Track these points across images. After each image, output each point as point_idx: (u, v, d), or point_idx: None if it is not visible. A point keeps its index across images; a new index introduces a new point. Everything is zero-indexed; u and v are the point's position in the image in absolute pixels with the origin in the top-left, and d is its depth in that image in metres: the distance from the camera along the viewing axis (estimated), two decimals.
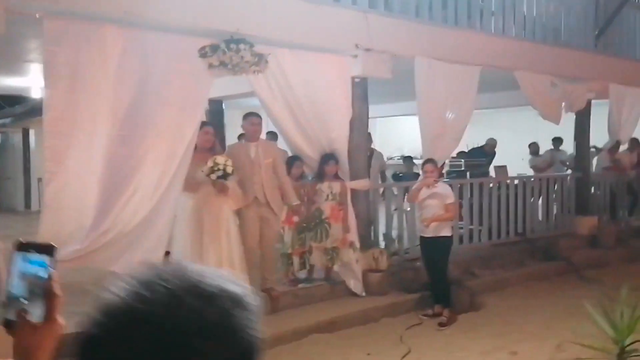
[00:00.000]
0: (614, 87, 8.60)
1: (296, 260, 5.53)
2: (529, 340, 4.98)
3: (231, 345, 0.56)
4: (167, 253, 5.27)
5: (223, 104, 8.28)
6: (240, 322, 0.57)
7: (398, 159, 12.61)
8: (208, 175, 4.57)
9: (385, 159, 8.48)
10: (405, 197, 6.21)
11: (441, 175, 8.12)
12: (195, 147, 4.77)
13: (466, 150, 9.62)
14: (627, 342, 3.16)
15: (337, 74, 5.53)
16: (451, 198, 5.53)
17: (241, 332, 0.57)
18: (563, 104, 7.93)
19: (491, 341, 4.98)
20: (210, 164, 4.57)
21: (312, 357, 4.58)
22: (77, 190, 4.01)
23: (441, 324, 5.35)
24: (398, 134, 14.21)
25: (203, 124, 4.92)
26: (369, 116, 9.42)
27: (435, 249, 5.48)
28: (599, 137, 9.41)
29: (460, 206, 6.94)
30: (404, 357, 4.63)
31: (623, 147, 9.61)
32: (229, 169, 4.59)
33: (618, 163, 9.36)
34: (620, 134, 9.01)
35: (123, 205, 4.20)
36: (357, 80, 5.75)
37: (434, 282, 5.58)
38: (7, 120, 12.72)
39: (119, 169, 4.16)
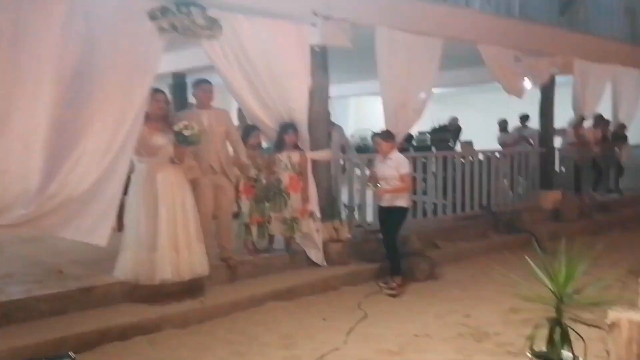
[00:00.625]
0: (578, 62, 8.70)
1: (254, 229, 5.50)
2: (484, 304, 5.05)
3: None
4: (121, 226, 5.22)
5: (187, 78, 8.17)
6: None
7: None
8: (180, 131, 4.47)
9: (345, 132, 8.43)
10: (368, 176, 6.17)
11: (404, 148, 8.16)
12: (148, 116, 4.70)
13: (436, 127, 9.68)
14: (565, 293, 3.21)
15: (295, 42, 5.47)
16: (405, 168, 5.54)
17: None
18: (526, 78, 7.98)
19: (447, 306, 5.04)
20: (185, 122, 4.51)
21: (268, 323, 4.58)
22: (21, 154, 3.92)
23: (390, 289, 5.39)
24: (372, 113, 14.23)
25: (155, 91, 4.83)
26: (344, 95, 9.29)
27: (388, 218, 5.52)
28: (564, 117, 9.52)
29: (414, 179, 6.91)
30: (359, 321, 4.65)
31: (588, 123, 9.74)
32: (199, 133, 4.54)
33: (582, 139, 9.49)
34: (584, 109, 9.13)
35: (70, 170, 4.11)
36: (316, 49, 5.71)
37: (386, 250, 5.61)
38: None
39: (64, 132, 4.07)
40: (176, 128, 4.47)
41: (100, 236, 4.30)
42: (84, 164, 4.16)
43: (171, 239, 4.58)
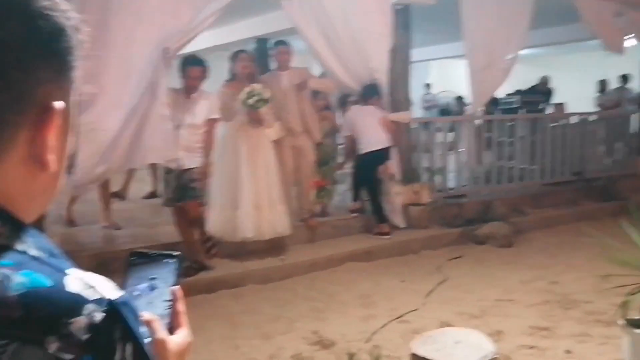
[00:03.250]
0: None
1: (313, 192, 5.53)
2: (573, 271, 4.80)
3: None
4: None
5: (268, 43, 8.22)
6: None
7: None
8: (245, 101, 4.58)
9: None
10: None
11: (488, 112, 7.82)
12: (235, 76, 4.80)
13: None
14: None
15: (376, 0, 5.33)
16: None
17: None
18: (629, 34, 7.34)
19: (532, 272, 4.84)
20: (247, 89, 4.59)
21: (345, 282, 4.62)
22: (112, 113, 4.16)
23: (379, 234, 5.45)
24: (455, 76, 13.82)
25: (240, 51, 4.92)
26: (424, 59, 8.83)
27: None
28: None
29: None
30: (439, 284, 4.59)
31: None
32: (266, 95, 4.60)
33: None
34: None
35: (141, 124, 4.32)
36: (398, 7, 5.54)
37: None
38: None
39: (149, 91, 4.26)
40: (241, 96, 4.55)
41: (167, 153, 4.43)
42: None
43: (253, 198, 4.70)
